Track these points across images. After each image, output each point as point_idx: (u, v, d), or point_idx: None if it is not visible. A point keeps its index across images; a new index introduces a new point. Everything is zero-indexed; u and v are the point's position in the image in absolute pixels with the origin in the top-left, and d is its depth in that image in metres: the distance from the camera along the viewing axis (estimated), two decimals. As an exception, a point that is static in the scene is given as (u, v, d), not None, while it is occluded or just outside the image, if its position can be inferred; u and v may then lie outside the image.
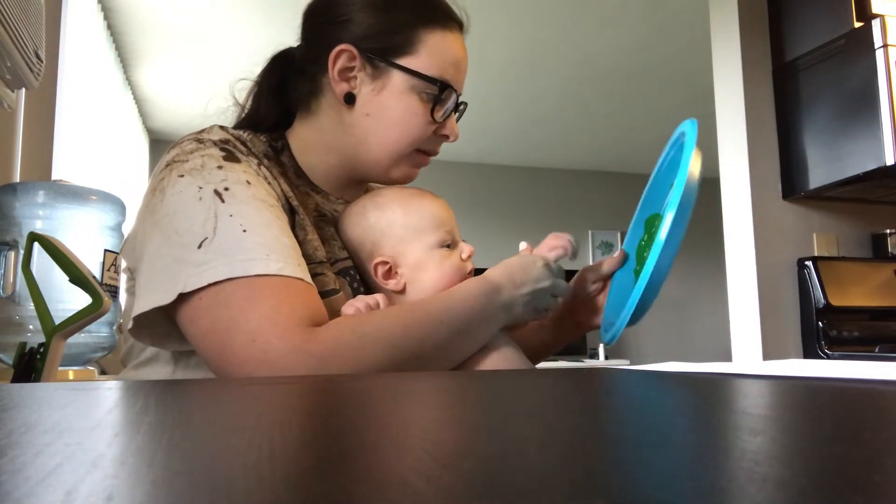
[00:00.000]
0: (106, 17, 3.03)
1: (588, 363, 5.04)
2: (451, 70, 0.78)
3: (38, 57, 1.21)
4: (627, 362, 4.94)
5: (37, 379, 0.74)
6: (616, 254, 0.85)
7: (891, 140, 1.86)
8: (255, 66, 0.85)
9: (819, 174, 2.10)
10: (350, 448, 0.22)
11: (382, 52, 0.76)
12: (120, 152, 3.39)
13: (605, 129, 4.70)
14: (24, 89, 1.28)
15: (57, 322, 0.75)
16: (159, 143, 4.56)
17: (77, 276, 0.76)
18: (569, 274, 0.85)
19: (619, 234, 5.58)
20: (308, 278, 0.67)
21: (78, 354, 1.09)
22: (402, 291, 0.77)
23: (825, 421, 0.28)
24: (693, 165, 0.68)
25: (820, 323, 2.08)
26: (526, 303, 0.73)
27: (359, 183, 0.86)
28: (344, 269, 0.77)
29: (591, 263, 0.88)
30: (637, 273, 0.81)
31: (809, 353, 2.11)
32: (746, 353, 2.17)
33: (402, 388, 0.44)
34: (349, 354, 0.62)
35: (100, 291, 0.75)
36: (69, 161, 2.18)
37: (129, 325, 0.65)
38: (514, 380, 0.49)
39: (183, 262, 0.63)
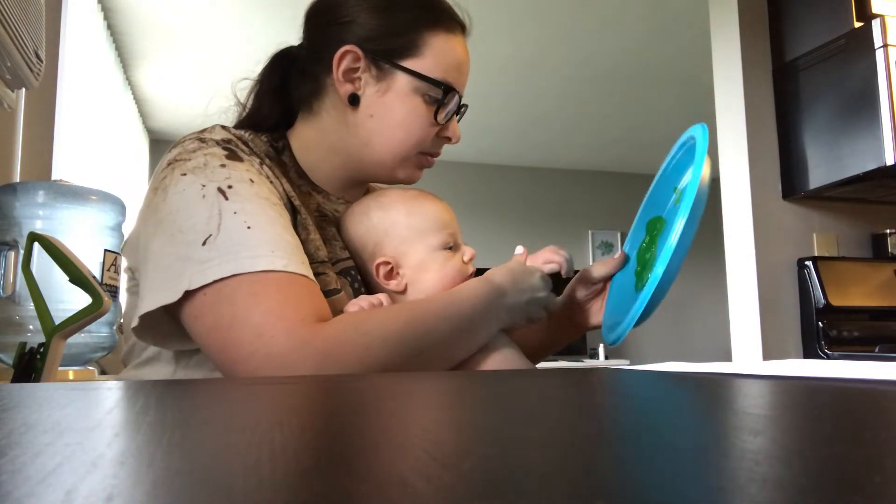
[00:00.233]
0: (106, 17, 3.03)
1: (588, 363, 5.04)
2: (454, 73, 0.78)
3: (38, 57, 1.21)
4: (627, 362, 4.94)
5: (37, 379, 0.74)
6: (617, 255, 0.86)
7: (891, 140, 1.86)
8: (255, 65, 0.85)
9: (819, 174, 2.10)
10: (350, 448, 0.22)
11: (387, 53, 0.76)
12: (120, 152, 3.39)
13: (605, 129, 4.70)
14: (24, 89, 1.28)
15: (57, 322, 0.75)
16: (159, 143, 4.56)
17: (77, 276, 0.76)
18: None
19: (619, 235, 5.58)
20: (311, 276, 0.67)
21: (78, 354, 1.09)
22: (403, 292, 0.77)
23: (825, 421, 0.28)
24: (704, 172, 0.69)
25: (820, 323, 2.08)
26: (523, 309, 0.74)
27: (360, 183, 0.86)
28: (345, 270, 0.77)
29: (591, 264, 0.88)
30: (638, 275, 0.81)
31: (809, 353, 2.11)
32: (746, 353, 2.17)
33: (402, 388, 0.44)
34: (354, 350, 0.62)
35: (100, 291, 0.75)
36: (69, 161, 2.18)
37: (135, 323, 0.65)
38: (514, 380, 0.49)
39: (187, 260, 0.63)
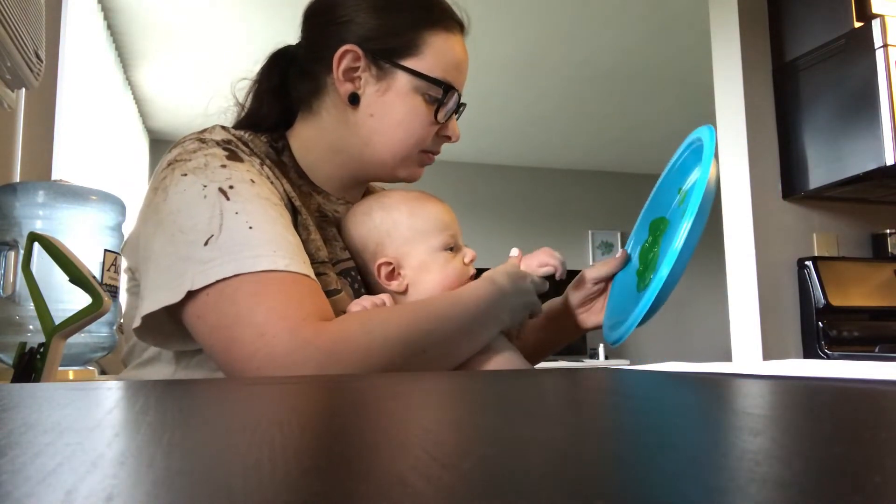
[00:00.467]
0: (106, 17, 3.03)
1: (588, 363, 5.04)
2: (453, 72, 0.79)
3: (38, 57, 1.21)
4: (627, 362, 4.94)
5: (37, 379, 0.74)
6: (618, 255, 0.86)
7: (891, 140, 1.86)
8: (255, 65, 0.85)
9: (819, 174, 2.10)
10: (350, 448, 0.22)
11: (387, 53, 0.77)
12: (120, 152, 3.39)
13: (605, 129, 4.70)
14: (24, 89, 1.28)
15: (57, 322, 0.75)
16: (159, 143, 4.56)
17: (77, 276, 0.76)
18: (571, 275, 0.85)
19: (619, 235, 5.58)
20: (313, 275, 0.67)
21: (78, 354, 1.09)
22: (405, 293, 0.77)
23: (825, 421, 0.28)
24: (711, 175, 0.69)
25: (820, 323, 2.08)
26: (520, 310, 0.75)
27: (360, 183, 0.86)
28: (345, 270, 0.78)
29: (591, 263, 0.88)
30: (640, 275, 0.81)
31: (809, 353, 2.11)
32: (746, 353, 2.17)
33: (402, 388, 0.44)
34: (357, 349, 0.62)
35: (100, 291, 0.75)
36: (69, 161, 2.18)
37: (136, 324, 0.65)
38: (514, 380, 0.49)
39: (189, 260, 0.63)
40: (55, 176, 1.81)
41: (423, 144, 0.80)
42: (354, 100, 0.77)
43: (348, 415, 0.32)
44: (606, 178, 5.74)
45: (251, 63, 0.85)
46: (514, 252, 0.81)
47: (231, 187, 0.66)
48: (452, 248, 0.78)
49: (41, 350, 0.75)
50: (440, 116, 0.79)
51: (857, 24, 1.98)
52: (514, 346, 0.77)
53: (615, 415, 0.32)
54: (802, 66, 2.16)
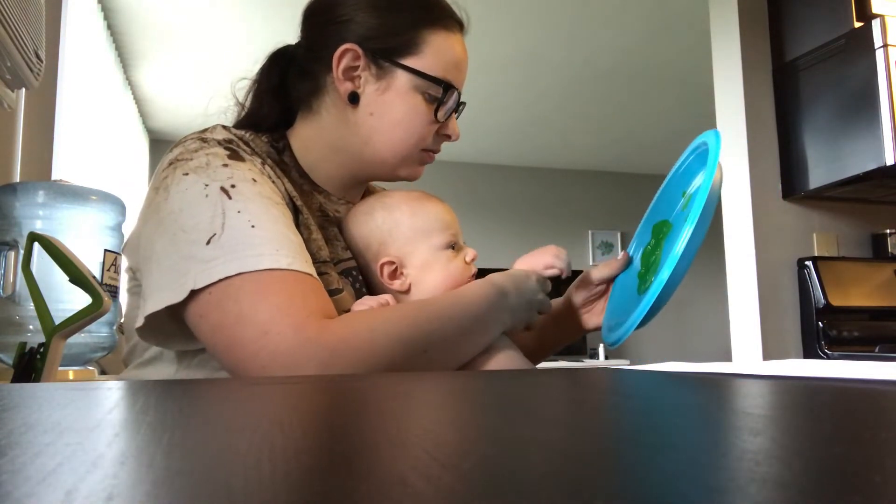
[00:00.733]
0: (106, 17, 3.03)
1: (588, 363, 5.05)
2: (453, 70, 0.79)
3: (38, 57, 1.21)
4: (627, 362, 4.94)
5: (37, 379, 0.74)
6: (620, 256, 0.86)
7: (891, 140, 1.86)
8: (255, 65, 0.85)
9: (819, 174, 2.10)
10: (350, 448, 0.22)
11: (387, 52, 0.77)
12: (120, 152, 3.39)
13: (605, 129, 4.70)
14: (24, 89, 1.28)
15: (57, 322, 0.75)
16: (159, 143, 4.56)
17: (77, 276, 0.76)
18: (572, 275, 0.84)
19: (619, 235, 5.58)
20: (315, 274, 0.67)
21: (78, 354, 1.09)
22: (407, 292, 0.77)
23: (825, 421, 0.28)
24: (715, 180, 0.69)
25: (820, 323, 2.08)
26: (524, 311, 0.75)
27: (361, 183, 0.86)
28: (347, 270, 0.78)
29: (591, 263, 0.89)
30: (641, 277, 0.81)
31: (809, 353, 2.11)
32: (746, 353, 2.17)
33: (402, 388, 0.44)
34: (360, 347, 0.62)
35: (100, 291, 0.75)
36: (69, 161, 2.18)
37: (139, 323, 0.65)
38: (514, 380, 0.49)
39: (191, 260, 0.63)
40: (55, 176, 1.81)
41: (424, 143, 0.80)
42: (354, 99, 0.77)
43: (348, 415, 0.32)
44: (606, 178, 5.74)
45: (251, 63, 0.85)
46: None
47: (233, 186, 0.66)
48: (454, 247, 0.78)
49: (41, 350, 0.75)
50: (440, 115, 0.79)
51: (857, 24, 1.98)
52: (516, 346, 0.77)
53: (615, 415, 0.32)
54: (802, 66, 2.16)
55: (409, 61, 0.77)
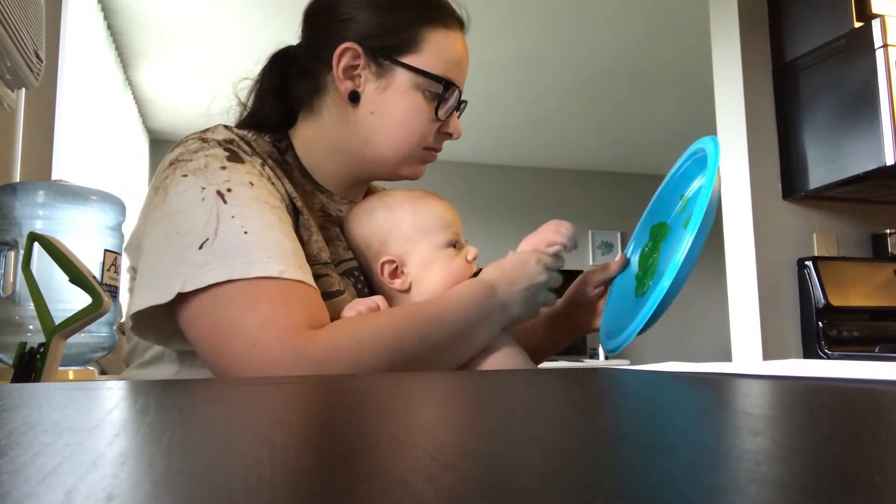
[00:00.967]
0: (106, 17, 3.03)
1: (588, 363, 5.04)
2: (453, 68, 0.79)
3: (38, 57, 1.21)
4: (627, 362, 4.94)
5: (37, 379, 0.74)
6: (617, 258, 0.85)
7: (891, 140, 1.86)
8: (256, 65, 0.85)
9: (819, 174, 2.10)
10: (350, 448, 0.22)
11: (387, 50, 0.76)
12: (120, 152, 3.39)
13: (605, 129, 4.70)
14: (24, 89, 1.28)
15: (57, 322, 0.75)
16: (159, 143, 4.56)
17: (77, 276, 0.76)
18: (572, 275, 0.84)
19: (619, 235, 5.57)
20: (310, 280, 0.66)
21: (78, 354, 1.09)
22: (408, 291, 0.77)
23: (825, 421, 0.28)
24: (715, 187, 0.69)
25: (820, 323, 2.08)
26: (523, 300, 0.73)
27: (363, 182, 0.86)
28: (348, 270, 0.77)
29: (591, 263, 0.88)
30: (639, 279, 0.81)
31: (809, 353, 2.11)
32: (746, 353, 2.17)
33: (402, 388, 0.44)
34: (347, 358, 0.62)
35: (100, 291, 0.75)
36: (69, 161, 2.18)
37: (126, 321, 0.65)
38: (514, 380, 0.49)
39: (183, 263, 0.63)
40: (55, 176, 1.81)
41: (425, 142, 0.79)
42: (354, 98, 0.77)
43: (348, 415, 0.32)
44: (606, 178, 5.73)
45: (251, 63, 0.85)
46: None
47: (229, 190, 0.66)
48: (455, 246, 0.78)
49: (41, 350, 0.75)
50: (441, 113, 0.79)
51: (857, 24, 1.98)
52: (518, 344, 0.77)
53: (615, 415, 0.32)
54: (802, 66, 2.16)
55: (409, 59, 0.76)
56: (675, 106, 4.17)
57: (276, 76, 0.83)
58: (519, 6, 3.00)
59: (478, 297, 0.71)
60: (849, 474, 0.17)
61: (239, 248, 0.63)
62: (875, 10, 1.96)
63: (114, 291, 1.12)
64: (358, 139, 0.79)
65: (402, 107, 0.77)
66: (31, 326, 1.01)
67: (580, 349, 5.20)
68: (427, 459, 0.19)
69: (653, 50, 3.44)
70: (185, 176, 0.67)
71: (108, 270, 1.10)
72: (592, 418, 0.30)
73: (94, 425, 0.27)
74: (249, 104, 0.84)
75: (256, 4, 2.95)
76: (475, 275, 0.77)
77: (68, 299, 0.89)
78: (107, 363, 1.31)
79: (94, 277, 0.77)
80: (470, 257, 0.78)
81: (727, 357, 2.40)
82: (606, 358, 5.24)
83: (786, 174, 2.20)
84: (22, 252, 0.84)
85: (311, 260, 0.71)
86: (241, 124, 0.82)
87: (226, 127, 0.75)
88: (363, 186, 0.87)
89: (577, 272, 0.91)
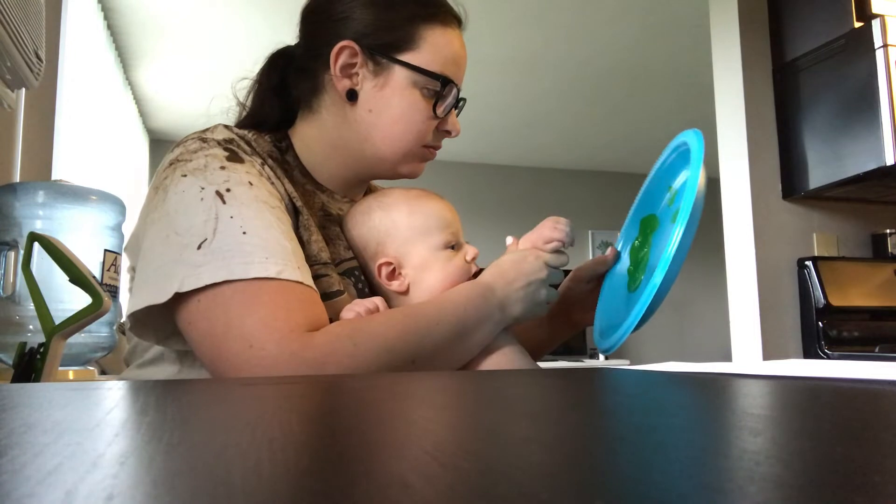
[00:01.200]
0: (106, 17, 3.03)
1: (588, 363, 5.04)
2: (451, 66, 0.78)
3: (38, 57, 1.21)
4: (627, 362, 4.94)
5: (37, 379, 0.74)
6: (608, 252, 0.85)
7: (891, 140, 1.86)
8: (255, 65, 0.85)
9: (819, 174, 2.10)
10: (350, 448, 0.22)
11: (384, 48, 0.76)
12: (120, 152, 3.39)
13: (605, 129, 4.70)
14: (24, 89, 1.28)
15: (57, 322, 0.75)
16: (159, 143, 4.56)
17: (77, 276, 0.76)
18: (566, 273, 0.84)
19: (619, 235, 5.57)
20: (309, 281, 0.66)
21: (78, 354, 1.09)
22: (406, 292, 0.76)
23: (825, 421, 0.28)
24: (700, 180, 0.69)
25: (820, 323, 2.08)
26: (522, 298, 0.72)
27: (364, 181, 0.86)
28: (349, 270, 0.77)
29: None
30: (631, 274, 0.80)
31: (809, 353, 2.11)
32: (746, 353, 2.17)
33: (402, 388, 0.44)
34: (345, 361, 0.62)
35: (100, 291, 0.75)
36: (69, 161, 2.18)
37: (125, 320, 0.65)
38: (514, 380, 0.49)
39: (181, 263, 0.63)
40: (55, 176, 1.81)
41: (424, 139, 0.79)
42: (352, 96, 0.77)
43: (348, 415, 0.32)
44: (606, 178, 5.73)
45: (252, 62, 0.85)
46: (509, 240, 0.80)
47: (228, 190, 0.66)
48: (454, 246, 0.77)
49: (41, 350, 0.75)
50: (439, 111, 0.78)
51: (857, 24, 1.98)
52: (519, 344, 0.76)
53: (615, 415, 0.32)
54: (802, 66, 2.16)
55: (406, 57, 0.76)
56: (675, 106, 4.17)
57: (274, 76, 0.83)
58: (519, 6, 3.00)
59: (475, 298, 0.71)
60: (849, 474, 0.17)
61: (237, 249, 0.63)
62: (875, 10, 1.96)
63: (114, 291, 1.11)
64: (356, 137, 0.79)
65: (400, 104, 0.77)
66: (31, 326, 1.01)
67: (580, 349, 5.20)
68: (427, 459, 0.19)
69: (653, 50, 3.44)
70: (185, 176, 0.67)
71: (108, 270, 1.10)
72: (592, 418, 0.30)
73: (94, 425, 0.27)
74: (249, 104, 0.84)
75: (256, 4, 2.95)
76: (476, 274, 0.77)
77: (68, 299, 0.89)
78: (107, 363, 1.31)
79: (94, 277, 0.77)
80: (469, 257, 0.78)
81: (727, 357, 2.40)
82: (606, 358, 5.24)
83: (786, 174, 2.20)
84: (22, 252, 0.84)
85: (311, 260, 0.71)
86: (241, 124, 0.82)
87: (226, 127, 0.75)
88: (363, 185, 0.87)
89: (569, 271, 0.91)
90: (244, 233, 0.64)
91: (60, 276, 0.77)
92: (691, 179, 0.69)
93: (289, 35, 0.86)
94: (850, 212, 2.29)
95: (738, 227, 2.21)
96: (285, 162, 0.78)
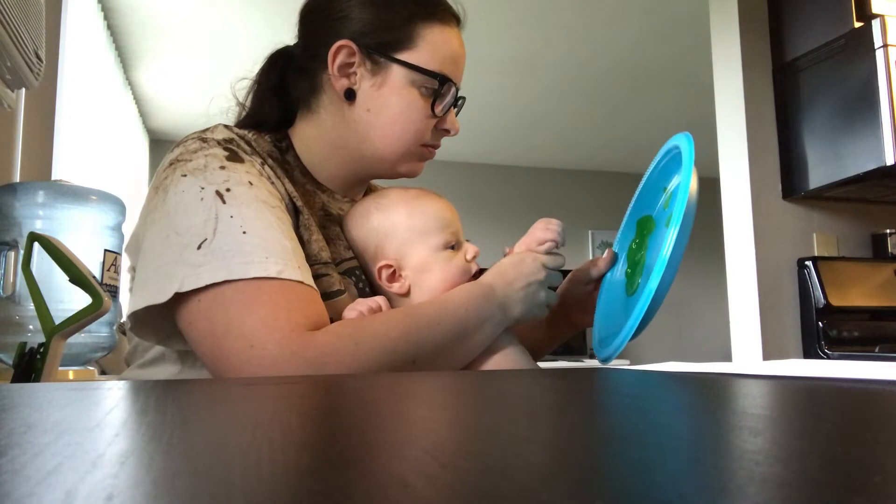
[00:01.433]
0: (106, 17, 3.03)
1: (588, 363, 5.04)
2: (449, 65, 0.78)
3: (38, 57, 1.21)
4: (627, 362, 4.94)
5: (37, 379, 0.74)
6: (605, 254, 0.85)
7: (891, 140, 1.86)
8: (255, 65, 0.85)
9: (819, 174, 2.10)
10: (350, 448, 0.22)
11: (382, 46, 0.76)
12: (120, 152, 3.39)
13: (605, 129, 4.70)
14: (24, 89, 1.28)
15: (57, 322, 0.75)
16: (159, 143, 4.56)
17: (77, 276, 0.76)
18: (562, 274, 0.84)
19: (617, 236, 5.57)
20: (309, 280, 0.66)
21: (78, 354, 1.09)
22: (407, 294, 0.76)
23: (825, 421, 0.28)
24: (693, 183, 0.69)
25: (820, 323, 2.08)
26: (522, 299, 0.72)
27: (364, 180, 0.86)
28: (349, 269, 0.77)
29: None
30: (629, 276, 0.80)
31: (809, 353, 2.11)
32: (746, 353, 2.17)
33: (403, 388, 0.44)
34: (345, 360, 0.62)
35: (100, 291, 0.75)
36: (69, 161, 2.18)
37: (125, 321, 0.65)
38: (514, 380, 0.49)
39: (181, 263, 0.63)
40: (55, 176, 1.81)
41: (422, 138, 0.79)
42: (350, 95, 0.77)
43: (348, 414, 0.31)
44: (606, 178, 5.74)
45: (251, 62, 0.85)
46: (506, 251, 0.80)
47: (228, 190, 0.66)
48: (454, 246, 0.77)
49: (41, 350, 0.75)
50: (437, 110, 0.78)
51: (857, 24, 1.98)
52: (520, 345, 0.76)
53: (615, 415, 0.32)
54: (802, 66, 2.16)
55: (404, 56, 0.76)
56: (675, 106, 4.16)
57: (274, 76, 0.83)
58: (519, 6, 3.00)
59: (476, 298, 0.71)
60: (849, 474, 0.17)
61: (237, 249, 0.63)
62: (875, 10, 1.96)
63: (114, 291, 1.11)
64: (355, 137, 0.78)
65: (398, 104, 0.77)
66: (31, 326, 1.01)
67: (580, 349, 5.20)
68: (427, 459, 0.19)
69: (653, 50, 3.44)
70: (185, 176, 0.67)
71: (108, 270, 1.10)
72: (592, 418, 0.30)
73: (94, 425, 0.27)
74: (248, 104, 0.84)
75: (256, 4, 2.95)
76: (477, 274, 0.77)
77: (68, 299, 0.89)
78: (107, 363, 1.31)
79: (94, 277, 0.77)
80: (469, 256, 0.77)
81: (727, 357, 2.40)
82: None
83: (786, 174, 2.20)
84: (22, 252, 0.84)
85: (312, 260, 0.71)
86: (241, 124, 0.82)
87: (226, 126, 0.75)
88: (363, 185, 0.87)
89: (567, 272, 0.91)
90: (244, 232, 0.64)
91: (60, 276, 0.77)
92: (683, 184, 0.69)
93: (288, 35, 0.86)
94: (850, 212, 2.29)
95: (738, 227, 2.21)
96: (285, 162, 0.78)
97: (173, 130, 4.46)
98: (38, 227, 1.05)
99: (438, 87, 0.77)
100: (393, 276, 0.76)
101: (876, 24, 1.90)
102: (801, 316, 2.15)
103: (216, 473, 0.18)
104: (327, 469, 0.18)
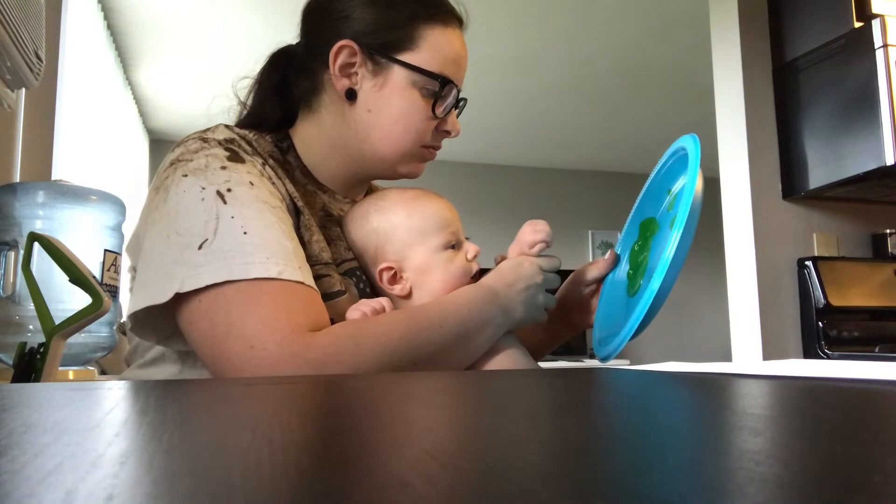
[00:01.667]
0: (106, 17, 3.03)
1: (588, 363, 5.04)
2: (451, 66, 0.78)
3: (38, 57, 1.21)
4: (627, 362, 4.94)
5: (37, 379, 0.74)
6: (607, 255, 0.85)
7: (891, 140, 1.86)
8: (256, 64, 0.85)
9: (819, 174, 2.10)
10: (350, 448, 0.22)
11: (383, 47, 0.76)
12: (120, 152, 3.39)
13: (605, 129, 4.70)
14: (24, 89, 1.28)
15: (57, 322, 0.75)
16: (159, 143, 4.56)
17: (77, 276, 0.76)
18: (563, 274, 0.84)
19: (619, 235, 5.56)
20: (310, 281, 0.66)
21: (78, 354, 1.09)
22: (409, 296, 0.76)
23: (825, 421, 0.28)
24: (698, 185, 0.69)
25: (820, 323, 2.08)
26: (524, 301, 0.73)
27: (364, 181, 0.86)
28: (350, 270, 0.77)
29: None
30: (631, 278, 0.80)
31: (809, 353, 2.11)
32: (746, 353, 2.17)
33: (402, 388, 0.44)
34: (346, 361, 0.62)
35: (100, 291, 0.75)
36: (69, 161, 2.18)
37: (126, 320, 0.65)
38: (513, 380, 0.49)
39: (181, 263, 0.63)
40: (55, 176, 1.81)
41: (423, 139, 0.79)
42: (351, 95, 0.77)
43: (348, 415, 0.31)
44: (606, 178, 5.74)
45: (252, 62, 0.85)
46: (498, 259, 0.80)
47: (229, 190, 0.66)
48: (454, 246, 0.77)
49: (41, 350, 0.75)
50: (438, 111, 0.78)
51: (857, 24, 1.98)
52: (522, 346, 0.76)
53: (615, 415, 0.32)
54: (802, 66, 2.16)
55: (406, 56, 0.76)
56: (675, 106, 4.16)
57: (275, 75, 0.83)
58: (519, 6, 3.00)
59: (478, 301, 0.71)
60: (849, 474, 0.17)
61: (238, 249, 0.63)
62: (875, 10, 1.96)
63: (114, 291, 1.11)
64: (356, 137, 0.78)
65: (399, 104, 0.77)
66: (31, 326, 1.01)
67: (580, 349, 5.20)
68: (427, 459, 0.19)
69: (653, 50, 3.44)
70: (186, 176, 0.67)
71: (108, 270, 1.10)
72: (592, 418, 0.30)
73: (94, 425, 0.27)
74: (249, 103, 0.84)
75: (256, 4, 2.95)
76: (479, 274, 0.77)
77: (68, 299, 0.89)
78: (107, 363, 1.31)
79: (94, 277, 0.77)
80: (470, 255, 0.77)
81: (727, 357, 2.40)
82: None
83: (786, 174, 2.20)
84: (22, 252, 0.84)
85: (312, 260, 0.71)
86: (242, 124, 0.82)
87: (227, 126, 0.75)
88: (364, 185, 0.87)
89: (568, 272, 0.91)
90: (245, 233, 0.64)
91: (60, 276, 0.77)
92: (688, 186, 0.69)
93: (290, 34, 0.86)
94: (850, 212, 2.29)
95: (738, 227, 2.21)
96: (286, 162, 0.78)
97: (173, 130, 4.45)
98: (38, 227, 1.05)
99: (439, 89, 0.77)
100: (394, 279, 0.76)
101: (876, 24, 1.90)
102: (801, 316, 2.15)
103: (216, 473, 0.18)
104: (327, 469, 0.18)
